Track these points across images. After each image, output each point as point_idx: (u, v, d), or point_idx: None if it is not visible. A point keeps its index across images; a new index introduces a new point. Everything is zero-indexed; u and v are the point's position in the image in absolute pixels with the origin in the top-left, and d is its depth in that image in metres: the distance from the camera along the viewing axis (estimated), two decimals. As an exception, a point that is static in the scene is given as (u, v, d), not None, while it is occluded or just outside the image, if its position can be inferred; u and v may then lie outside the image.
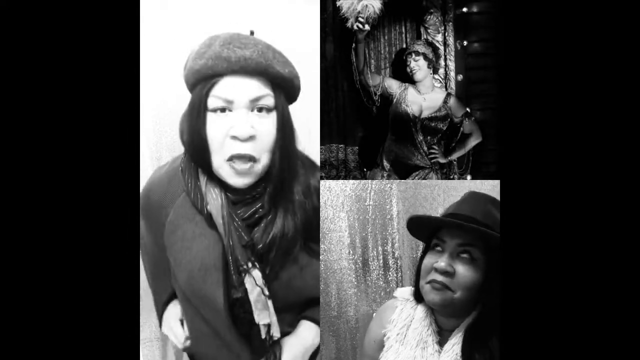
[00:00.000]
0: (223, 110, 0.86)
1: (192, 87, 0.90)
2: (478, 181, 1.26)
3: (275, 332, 0.94)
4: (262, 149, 0.87)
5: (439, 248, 0.87)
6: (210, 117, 0.87)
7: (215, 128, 0.86)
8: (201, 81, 0.87)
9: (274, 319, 0.93)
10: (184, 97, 1.37)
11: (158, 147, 1.38)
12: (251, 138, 0.85)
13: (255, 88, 0.86)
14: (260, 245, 0.91)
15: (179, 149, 1.36)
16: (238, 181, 0.88)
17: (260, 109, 0.87)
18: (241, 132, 0.84)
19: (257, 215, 0.92)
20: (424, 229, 0.93)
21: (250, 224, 0.92)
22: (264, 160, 0.88)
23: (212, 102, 0.86)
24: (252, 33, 0.94)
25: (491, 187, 1.20)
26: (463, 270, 0.84)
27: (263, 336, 0.94)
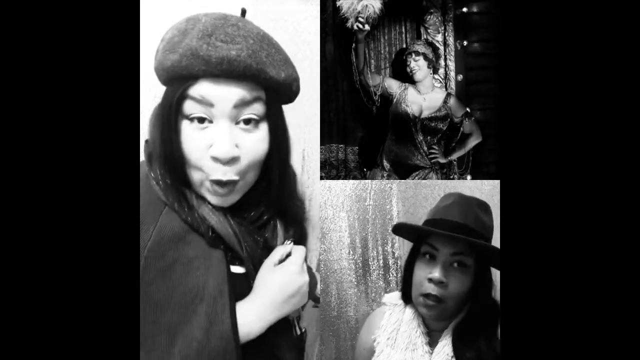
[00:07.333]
0: (201, 120, 0.69)
1: (164, 82, 0.73)
2: (478, 181, 1.26)
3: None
4: (247, 168, 0.72)
5: (430, 256, 0.86)
6: (185, 126, 0.70)
7: (192, 142, 0.69)
8: (174, 80, 0.69)
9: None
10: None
11: (158, 147, 1.38)
12: (234, 160, 0.69)
13: (241, 92, 0.68)
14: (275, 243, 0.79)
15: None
16: (221, 202, 0.73)
17: (247, 121, 0.70)
18: (222, 154, 0.67)
19: (265, 217, 0.79)
20: (412, 233, 0.93)
21: (260, 226, 0.79)
22: (249, 177, 0.73)
23: (188, 107, 0.69)
24: (243, 13, 0.75)
25: (491, 187, 1.20)
26: (455, 280, 0.84)
27: (298, 332, 0.82)
